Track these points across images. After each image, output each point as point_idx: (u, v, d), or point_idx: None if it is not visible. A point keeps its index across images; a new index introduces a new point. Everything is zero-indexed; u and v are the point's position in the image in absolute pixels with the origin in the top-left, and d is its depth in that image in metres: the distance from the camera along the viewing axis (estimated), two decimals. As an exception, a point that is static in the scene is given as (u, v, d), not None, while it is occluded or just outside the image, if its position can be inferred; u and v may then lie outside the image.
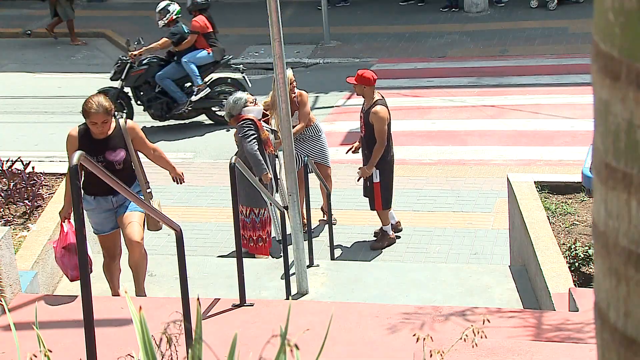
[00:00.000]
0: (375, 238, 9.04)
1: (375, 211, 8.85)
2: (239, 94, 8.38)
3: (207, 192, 10.47)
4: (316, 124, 9.27)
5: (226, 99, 9.46)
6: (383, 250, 8.82)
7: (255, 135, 8.13)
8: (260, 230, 8.33)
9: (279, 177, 8.55)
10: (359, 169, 8.81)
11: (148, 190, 6.62)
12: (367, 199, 8.86)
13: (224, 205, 9.71)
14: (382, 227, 8.94)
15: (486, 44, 16.78)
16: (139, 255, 6.51)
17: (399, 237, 9.04)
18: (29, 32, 19.15)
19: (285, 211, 7.50)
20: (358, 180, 8.90)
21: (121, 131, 6.40)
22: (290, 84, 8.69)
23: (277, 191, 8.44)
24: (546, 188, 7.97)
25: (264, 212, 8.33)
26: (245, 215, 8.29)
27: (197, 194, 10.42)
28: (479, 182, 10.33)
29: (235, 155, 8.22)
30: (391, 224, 8.98)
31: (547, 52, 16.05)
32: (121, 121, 6.47)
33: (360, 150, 8.89)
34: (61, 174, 8.17)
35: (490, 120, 12.70)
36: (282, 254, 7.19)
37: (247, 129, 8.12)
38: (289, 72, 8.71)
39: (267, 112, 8.66)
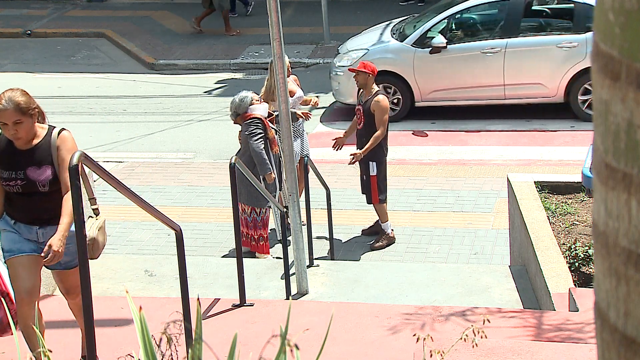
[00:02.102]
0: (366, 235, 9.08)
1: (372, 205, 8.89)
2: (245, 93, 8.34)
3: (207, 192, 10.47)
4: (302, 120, 9.25)
5: None
6: (383, 249, 8.82)
7: (262, 134, 8.13)
8: (262, 229, 8.35)
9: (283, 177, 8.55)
10: (351, 154, 8.79)
11: (94, 207, 5.07)
12: (365, 195, 8.90)
13: (224, 205, 9.71)
14: (377, 223, 8.97)
15: (486, 44, 16.75)
16: (74, 305, 5.19)
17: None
18: (29, 32, 19.14)
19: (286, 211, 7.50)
20: (351, 163, 8.83)
21: (50, 142, 4.90)
22: (288, 69, 8.65)
23: (280, 189, 8.44)
24: (546, 188, 7.97)
25: (265, 212, 8.33)
26: (247, 214, 8.30)
27: (197, 194, 10.42)
28: (479, 182, 10.33)
29: (238, 153, 8.24)
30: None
31: (547, 52, 16.02)
32: (54, 130, 4.97)
33: (342, 145, 9.03)
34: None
35: (490, 120, 12.70)
36: (282, 253, 7.19)
37: (254, 127, 8.12)
38: (285, 59, 8.63)
39: (271, 112, 8.61)
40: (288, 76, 8.70)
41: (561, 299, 5.96)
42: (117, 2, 21.39)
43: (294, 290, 6.76)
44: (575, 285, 6.24)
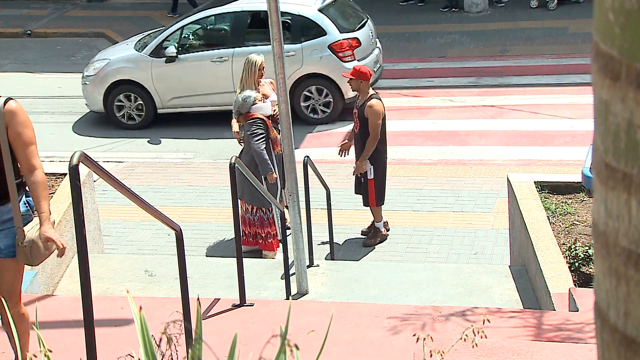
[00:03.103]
0: (365, 236, 9.07)
1: (368, 207, 8.90)
2: (248, 92, 8.32)
3: (207, 192, 10.47)
4: None
5: None
6: (378, 247, 8.82)
7: (264, 134, 8.14)
8: (269, 227, 8.36)
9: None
10: (355, 165, 8.82)
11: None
12: (361, 195, 8.92)
13: (224, 205, 9.72)
14: (373, 223, 8.97)
15: (486, 44, 16.78)
16: (13, 315, 4.38)
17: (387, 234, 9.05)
18: (29, 32, 19.15)
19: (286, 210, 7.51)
20: (353, 174, 8.91)
21: None
22: (262, 69, 8.50)
23: (284, 187, 8.44)
24: (546, 188, 7.97)
25: (272, 209, 8.33)
26: (251, 213, 8.30)
27: (197, 194, 10.42)
28: (479, 182, 10.33)
29: (241, 152, 8.27)
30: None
31: (547, 52, 16.05)
32: None
33: (348, 149, 8.98)
34: (61, 174, 8.17)
35: (490, 120, 12.71)
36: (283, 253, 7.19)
37: (256, 127, 8.13)
38: (260, 58, 8.54)
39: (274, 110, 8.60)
40: (261, 77, 8.59)
41: (561, 299, 5.96)
42: (117, 2, 21.40)
43: (294, 290, 6.76)
44: (575, 285, 6.24)
